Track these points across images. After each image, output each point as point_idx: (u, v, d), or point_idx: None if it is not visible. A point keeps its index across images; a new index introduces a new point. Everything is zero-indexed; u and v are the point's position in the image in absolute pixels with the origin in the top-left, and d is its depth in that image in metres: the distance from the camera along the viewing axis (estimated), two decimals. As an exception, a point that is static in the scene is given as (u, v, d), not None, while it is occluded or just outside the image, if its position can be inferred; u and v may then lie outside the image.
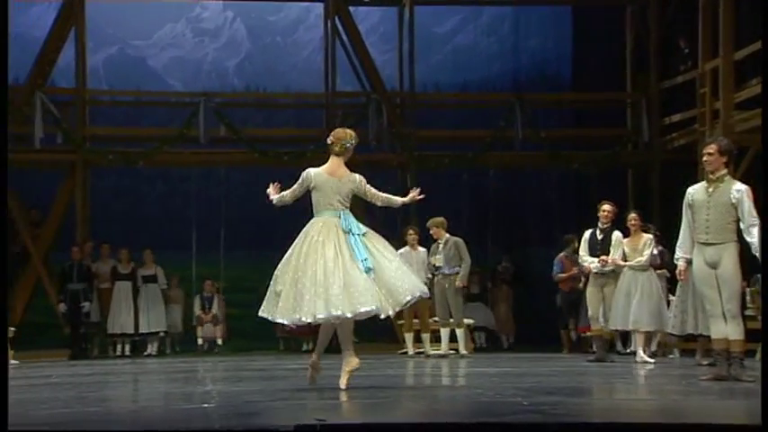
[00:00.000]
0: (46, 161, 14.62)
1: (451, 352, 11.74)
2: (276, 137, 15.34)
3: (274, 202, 7.10)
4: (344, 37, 15.29)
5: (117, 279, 13.97)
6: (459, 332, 11.74)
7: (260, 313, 6.76)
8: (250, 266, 15.72)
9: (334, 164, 6.87)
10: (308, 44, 17.55)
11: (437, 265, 11.62)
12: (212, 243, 15.68)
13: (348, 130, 7.14)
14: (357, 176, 6.89)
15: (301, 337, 14.52)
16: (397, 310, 6.87)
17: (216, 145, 14.81)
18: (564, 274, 12.30)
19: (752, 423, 4.60)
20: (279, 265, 6.76)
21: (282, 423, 4.60)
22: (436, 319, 11.98)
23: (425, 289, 6.85)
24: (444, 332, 11.75)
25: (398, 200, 7.13)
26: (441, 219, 11.69)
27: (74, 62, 14.53)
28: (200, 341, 14.36)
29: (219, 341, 14.44)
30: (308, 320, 6.59)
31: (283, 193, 7.05)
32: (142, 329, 13.93)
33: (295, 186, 6.96)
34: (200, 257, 15.55)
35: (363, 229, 6.76)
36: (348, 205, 6.82)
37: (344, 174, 6.86)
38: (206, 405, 5.82)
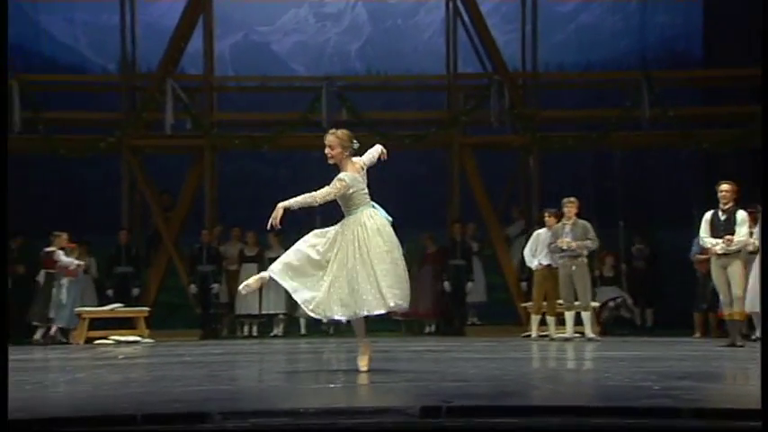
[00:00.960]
0: (176, 146, 15.03)
1: (576, 335, 11.58)
2: (397, 120, 15.37)
3: (295, 207, 7.06)
4: (466, 18, 15.17)
5: (244, 261, 14.30)
6: (586, 315, 11.56)
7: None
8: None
9: (355, 164, 6.83)
10: (429, 26, 17.51)
11: (564, 247, 11.47)
12: (334, 225, 15.85)
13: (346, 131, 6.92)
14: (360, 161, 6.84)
15: (424, 320, 14.58)
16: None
17: (338, 128, 14.92)
18: (702, 255, 11.92)
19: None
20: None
21: (408, 404, 4.61)
22: (560, 301, 11.83)
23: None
24: (569, 315, 11.60)
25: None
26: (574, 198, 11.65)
27: (202, 49, 14.87)
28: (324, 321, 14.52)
29: (344, 321, 14.58)
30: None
31: (313, 194, 6.90)
32: (265, 311, 14.22)
33: (332, 192, 6.80)
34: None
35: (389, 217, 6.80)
36: (342, 204, 6.79)
37: (360, 167, 6.86)
38: (332, 385, 5.90)
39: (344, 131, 6.81)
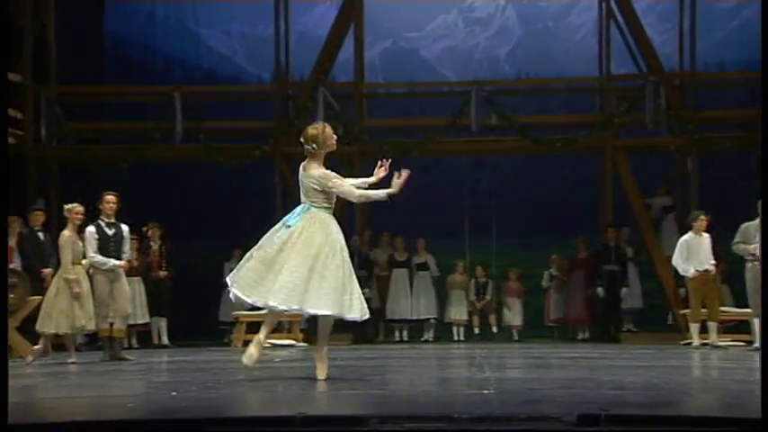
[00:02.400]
0: (328, 153, 15.26)
1: (740, 344, 11.08)
2: (548, 123, 15.16)
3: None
4: (620, 18, 14.82)
5: (394, 266, 14.41)
6: (756, 322, 10.97)
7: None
8: (522, 254, 15.68)
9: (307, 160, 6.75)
10: (580, 27, 17.20)
11: (753, 252, 10.54)
12: (484, 230, 15.77)
13: (313, 128, 6.81)
14: (318, 172, 6.66)
15: (577, 325, 14.31)
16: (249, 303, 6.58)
17: (487, 133, 14.86)
18: None
19: None
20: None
21: (564, 411, 4.51)
22: (725, 309, 11.31)
23: (283, 307, 6.45)
24: (757, 322, 10.81)
25: (378, 193, 6.84)
26: None
27: (352, 57, 15.09)
28: (475, 329, 14.47)
29: (494, 329, 14.49)
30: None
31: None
32: (415, 316, 14.28)
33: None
34: (472, 245, 15.68)
35: (299, 224, 6.57)
36: (312, 200, 6.64)
37: (309, 168, 6.71)
38: (485, 391, 5.84)
39: (315, 127, 6.76)
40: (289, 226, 6.61)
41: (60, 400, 6.01)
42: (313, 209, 6.65)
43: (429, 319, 14.38)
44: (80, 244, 9.65)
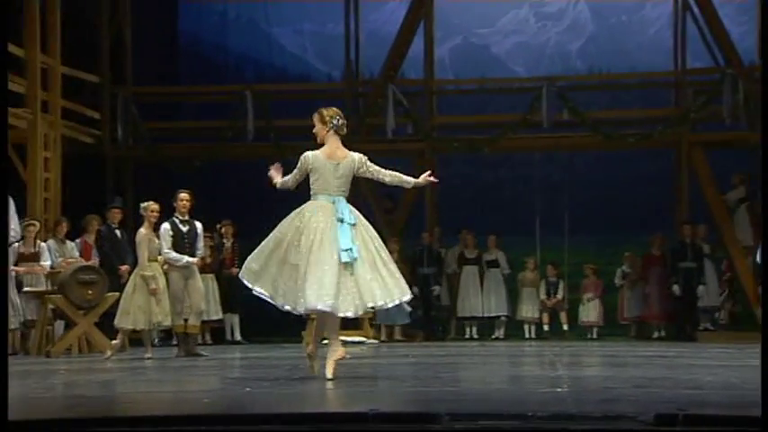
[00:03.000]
0: (397, 150, 15.29)
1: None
2: (621, 118, 14.93)
3: (278, 186, 6.67)
4: (696, 10, 14.52)
5: (464, 263, 14.36)
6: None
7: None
8: (594, 251, 15.47)
9: (333, 145, 6.45)
10: (655, 21, 16.89)
11: None
12: (556, 227, 15.61)
13: (333, 108, 6.56)
14: (357, 156, 6.46)
15: (653, 323, 14.08)
16: (361, 313, 6.39)
17: (559, 129, 14.70)
18: None
19: None
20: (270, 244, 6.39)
21: (641, 411, 4.43)
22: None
23: (401, 296, 6.30)
24: None
25: (410, 179, 6.63)
26: None
27: (422, 54, 15.06)
28: (545, 327, 14.32)
29: (565, 326, 14.34)
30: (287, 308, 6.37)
31: (286, 177, 6.63)
32: (486, 313, 14.21)
33: (295, 171, 6.55)
34: (543, 242, 15.54)
35: (355, 218, 6.34)
36: (346, 191, 6.42)
37: (343, 155, 6.45)
38: (559, 389, 5.77)
39: (330, 108, 6.53)
40: (344, 221, 6.33)
41: (139, 394, 6.12)
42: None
43: (500, 316, 14.29)
44: (156, 241, 9.81)
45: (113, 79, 15.01)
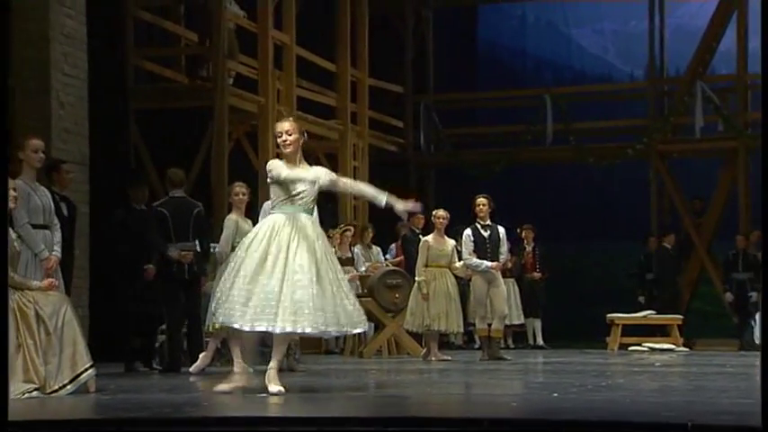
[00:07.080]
0: (706, 150, 14.59)
1: None
2: None
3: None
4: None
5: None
6: None
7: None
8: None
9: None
10: None
11: None
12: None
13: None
14: (321, 169, 6.02)
15: None
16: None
17: None
18: None
19: None
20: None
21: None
22: None
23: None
24: None
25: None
26: None
27: (733, 47, 14.23)
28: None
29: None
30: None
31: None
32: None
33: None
34: None
35: (319, 232, 5.80)
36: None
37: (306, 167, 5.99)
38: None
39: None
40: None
41: (453, 396, 6.22)
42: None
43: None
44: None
45: (415, 88, 15.47)
